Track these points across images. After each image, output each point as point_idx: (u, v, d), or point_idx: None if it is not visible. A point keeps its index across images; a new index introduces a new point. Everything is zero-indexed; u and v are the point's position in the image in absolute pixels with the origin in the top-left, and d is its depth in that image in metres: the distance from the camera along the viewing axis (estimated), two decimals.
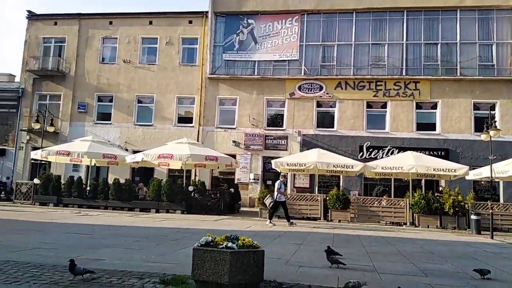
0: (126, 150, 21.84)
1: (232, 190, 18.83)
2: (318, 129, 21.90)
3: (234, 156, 20.76)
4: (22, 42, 25.36)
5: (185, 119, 23.56)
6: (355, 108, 21.75)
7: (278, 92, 22.49)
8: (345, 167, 16.10)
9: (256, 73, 22.86)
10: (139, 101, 24.01)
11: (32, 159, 21.18)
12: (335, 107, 22.08)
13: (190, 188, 16.87)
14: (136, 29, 24.18)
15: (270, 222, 12.78)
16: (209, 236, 4.08)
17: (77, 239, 7.81)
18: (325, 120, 22.31)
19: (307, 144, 21.22)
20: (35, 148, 21.83)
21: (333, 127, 21.91)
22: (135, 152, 20.11)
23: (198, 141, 21.24)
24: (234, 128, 22.71)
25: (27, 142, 24.17)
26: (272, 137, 22.31)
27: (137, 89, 23.81)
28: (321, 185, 19.94)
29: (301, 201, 15.74)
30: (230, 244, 3.89)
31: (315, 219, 15.36)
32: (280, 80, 22.51)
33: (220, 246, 3.90)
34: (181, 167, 18.88)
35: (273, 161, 17.05)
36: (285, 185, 13.98)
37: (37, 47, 24.99)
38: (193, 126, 23.12)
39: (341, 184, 20.83)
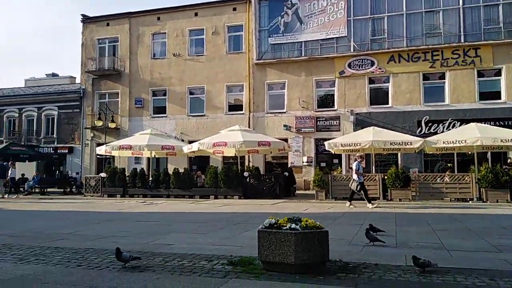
0: (182, 140, 22.66)
1: (286, 174, 18.90)
2: (372, 107, 21.24)
3: (286, 140, 20.80)
4: (79, 45, 26.88)
5: (235, 107, 23.89)
6: (410, 82, 20.78)
7: (327, 71, 22.03)
8: (403, 144, 15.48)
9: (303, 54, 22.53)
10: (191, 93, 24.67)
11: (98, 154, 22.63)
12: (388, 82, 21.24)
13: (245, 174, 17.18)
14: (183, 22, 24.70)
15: (371, 203, 12.21)
16: (272, 218, 4.16)
17: (146, 227, 8.29)
18: (378, 96, 21.56)
19: (360, 123, 20.67)
20: (99, 144, 23.26)
21: (387, 103, 21.13)
22: (190, 142, 20.78)
23: (249, 127, 21.49)
24: (284, 112, 22.66)
25: (91, 139, 25.84)
26: (324, 119, 21.99)
27: (188, 81, 24.45)
28: (378, 164, 19.38)
29: None
30: (293, 226, 3.94)
31: (373, 199, 14.99)
32: (328, 59, 22.01)
33: (284, 228, 3.96)
34: (235, 154, 19.26)
35: (326, 143, 16.83)
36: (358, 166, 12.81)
37: (93, 48, 26.43)
38: (243, 113, 23.39)
39: (399, 162, 20.14)
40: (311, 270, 3.94)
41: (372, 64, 21.35)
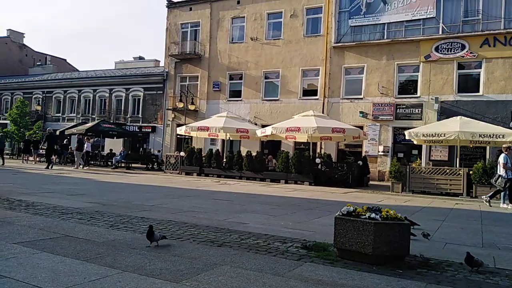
0: (255, 124, 23.01)
1: (360, 162, 18.34)
2: (460, 95, 19.62)
3: (361, 128, 20.14)
4: (164, 30, 28.30)
5: (309, 92, 23.59)
6: (506, 68, 18.77)
7: (411, 55, 20.72)
8: (494, 136, 14.11)
9: (385, 37, 21.41)
10: (266, 77, 24.83)
11: (178, 134, 23.91)
12: (480, 68, 19.41)
13: (317, 161, 16.99)
14: (262, 6, 24.76)
15: (506, 203, 11.01)
16: (350, 206, 4.07)
17: (221, 204, 8.64)
18: (468, 83, 19.84)
19: (446, 112, 19.24)
20: (179, 125, 24.54)
21: (478, 91, 19.36)
22: (263, 126, 21.03)
23: (323, 113, 21.11)
24: (361, 98, 21.87)
25: (172, 120, 27.35)
26: (404, 106, 20.83)
27: (263, 65, 24.61)
28: (462, 157, 17.95)
29: (439, 175, 14.46)
30: (373, 215, 3.82)
31: (455, 194, 14.00)
32: (413, 42, 20.66)
33: (363, 217, 3.85)
34: (307, 139, 19.11)
35: (406, 132, 15.95)
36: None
37: (176, 33, 27.68)
38: (318, 99, 23.02)
39: (487, 156, 18.44)
40: (390, 263, 3.80)
41: (463, 47, 19.61)
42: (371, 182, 18.74)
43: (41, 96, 34.71)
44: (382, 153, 21.13)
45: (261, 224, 6.10)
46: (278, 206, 8.70)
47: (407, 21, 20.94)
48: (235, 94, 25.72)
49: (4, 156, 20.82)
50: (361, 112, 21.53)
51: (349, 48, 22.25)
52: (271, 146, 23.27)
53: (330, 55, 22.66)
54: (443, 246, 5.15)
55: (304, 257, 4.03)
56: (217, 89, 26.01)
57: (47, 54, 48.59)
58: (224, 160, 19.31)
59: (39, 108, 33.22)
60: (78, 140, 21.24)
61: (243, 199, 9.98)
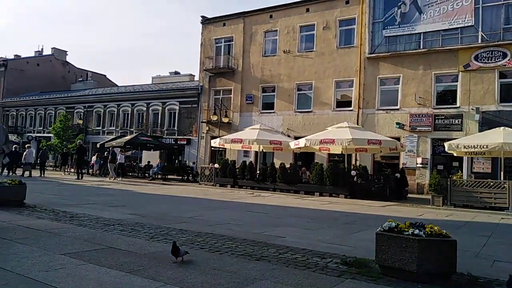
0: (288, 136, 22.97)
1: (398, 175, 17.84)
2: (502, 104, 18.78)
3: (398, 139, 19.62)
4: (199, 45, 29.00)
5: (343, 103, 23.33)
6: None
7: (449, 64, 20.10)
8: None
9: (421, 47, 20.92)
10: (299, 89, 24.83)
11: (212, 146, 24.25)
12: None
13: (353, 173, 16.68)
14: (294, 19, 24.92)
15: None
16: (391, 221, 3.96)
17: (257, 217, 8.65)
18: (510, 93, 18.96)
19: (487, 122, 18.43)
20: (213, 137, 24.89)
21: None
22: (296, 138, 20.95)
23: (358, 124, 20.77)
24: (398, 109, 21.37)
25: (206, 132, 27.80)
26: (443, 117, 20.16)
27: (296, 77, 24.65)
28: (507, 170, 17.05)
29: (483, 188, 13.81)
30: (417, 231, 3.70)
31: (501, 209, 13.29)
32: (451, 51, 20.06)
33: (406, 233, 3.74)
34: (342, 151, 18.82)
35: (446, 144, 15.40)
36: None
37: (211, 48, 28.29)
38: (352, 110, 22.71)
39: None
40: (436, 281, 3.65)
41: (504, 56, 18.81)
42: (409, 195, 18.15)
43: (83, 111, 36.32)
44: (420, 165, 20.46)
45: (298, 238, 6.05)
46: (314, 220, 8.60)
47: (444, 30, 20.39)
48: (268, 106, 25.84)
49: (47, 168, 21.84)
50: (397, 123, 21.02)
51: (384, 59, 21.90)
52: (304, 158, 23.10)
53: (364, 66, 22.39)
54: (491, 263, 4.91)
55: (344, 274, 3.95)
56: (250, 101, 26.25)
57: (88, 70, 50.98)
58: (258, 172, 19.35)
59: (80, 122, 34.74)
60: (112, 152, 22.05)
61: (278, 212, 9.94)
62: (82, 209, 8.20)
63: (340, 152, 19.40)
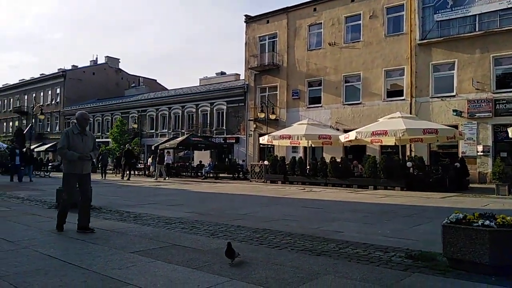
0: (337, 129, 22.58)
1: (457, 164, 16.94)
2: None
3: (456, 127, 18.63)
4: (243, 45, 29.26)
5: (394, 93, 22.51)
6: None
7: (509, 46, 18.73)
8: None
9: (477, 29, 19.68)
10: (346, 81, 24.30)
11: (260, 143, 24.41)
12: None
13: (409, 164, 16.08)
14: (339, 10, 24.39)
15: None
16: (458, 213, 3.79)
17: (311, 212, 8.61)
18: None
19: None
20: (261, 134, 25.06)
21: None
22: (346, 131, 20.55)
23: (411, 114, 19.97)
24: (454, 96, 20.27)
25: (254, 130, 28.03)
26: (504, 101, 18.85)
27: (343, 69, 24.14)
28: None
29: None
30: (487, 222, 3.51)
31: None
32: (510, 32, 18.65)
33: (475, 224, 3.56)
34: (395, 143, 18.18)
35: (509, 129, 14.39)
36: None
37: (255, 46, 28.44)
38: (404, 99, 21.86)
39: None
40: (511, 273, 3.45)
41: None
42: (471, 185, 17.17)
43: (137, 115, 38.03)
44: (481, 153, 19.27)
45: (357, 232, 5.96)
46: (371, 214, 8.41)
47: (501, 10, 19.00)
48: (315, 100, 25.54)
49: (107, 171, 23.24)
50: (454, 111, 19.93)
51: (436, 44, 20.82)
52: (355, 151, 22.57)
53: (416, 53, 21.43)
54: None
55: (410, 267, 3.84)
56: (297, 97, 26.09)
57: (139, 76, 53.25)
58: (308, 167, 19.22)
59: (135, 126, 36.40)
60: (159, 154, 23.12)
61: (332, 207, 9.83)
62: (144, 209, 8.61)
63: (393, 144, 18.76)
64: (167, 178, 22.45)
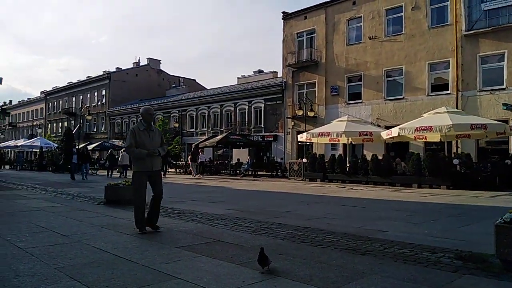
0: (379, 126, 22.02)
1: (508, 161, 16.02)
2: None
3: (506, 122, 17.63)
4: (281, 42, 29.16)
5: (439, 87, 21.61)
6: None
7: None
8: None
9: None
10: (388, 75, 23.61)
11: (299, 141, 24.28)
12: None
13: (455, 161, 15.42)
14: (379, 3, 23.71)
15: None
16: None
17: (353, 211, 8.47)
18: None
19: None
20: (299, 132, 24.93)
21: None
22: (387, 127, 19.99)
23: (457, 108, 19.09)
24: (504, 89, 19.18)
25: (292, 127, 27.91)
26: None
27: (384, 63, 23.47)
28: None
29: None
30: None
31: None
32: None
33: None
34: (440, 139, 17.48)
35: None
36: None
37: (293, 42, 28.28)
38: (449, 93, 20.93)
39: None
40: None
41: None
42: None
43: (178, 114, 38.99)
44: None
45: (402, 232, 5.79)
46: (416, 213, 8.15)
47: None
48: (355, 96, 25.02)
49: None
50: (504, 104, 18.81)
51: (484, 35, 19.73)
52: (398, 148, 21.89)
53: (461, 44, 20.43)
54: None
55: (461, 269, 3.69)
56: (335, 93, 25.68)
57: (179, 77, 54.51)
58: (348, 165, 18.89)
59: (176, 125, 37.35)
60: (192, 152, 23.88)
61: (375, 206, 9.61)
62: (186, 205, 8.83)
63: (438, 140, 18.06)
64: (196, 175, 23.22)
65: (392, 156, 20.23)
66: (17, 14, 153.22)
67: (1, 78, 29.26)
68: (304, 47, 27.58)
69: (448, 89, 21.03)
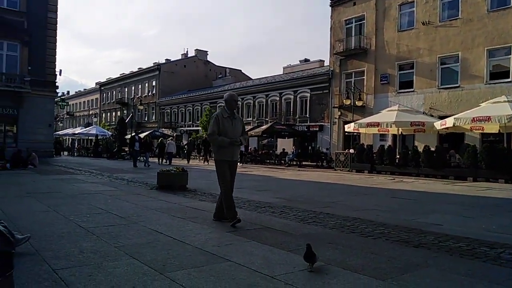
0: (431, 116, 21.04)
1: None
2: None
3: None
4: (328, 30, 28.55)
5: (498, 75, 20.20)
6: None
7: None
8: None
9: None
10: (442, 63, 22.41)
11: (346, 131, 23.80)
12: None
13: None
14: None
15: None
16: None
17: (404, 203, 8.21)
18: None
19: None
20: (346, 122, 24.40)
21: None
22: (441, 117, 19.07)
23: None
24: None
25: (339, 117, 27.38)
26: None
27: (438, 50, 22.28)
28: None
29: None
30: None
31: None
32: None
33: None
34: (499, 130, 16.41)
35: None
36: None
37: (341, 30, 27.58)
38: (510, 81, 19.51)
39: None
40: None
41: None
42: None
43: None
44: None
45: (457, 226, 5.55)
46: (471, 207, 7.77)
47: None
48: (406, 85, 24.02)
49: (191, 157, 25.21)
50: None
51: None
52: (452, 139, 20.81)
53: None
54: None
55: None
56: (385, 81, 24.80)
57: (226, 67, 55.14)
58: (397, 156, 18.27)
59: None
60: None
61: (427, 198, 9.26)
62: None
63: (496, 131, 16.97)
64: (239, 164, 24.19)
65: (445, 147, 19.31)
66: (74, 11, 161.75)
67: (60, 70, 31.26)
68: (353, 34, 26.81)
69: (508, 77, 19.61)
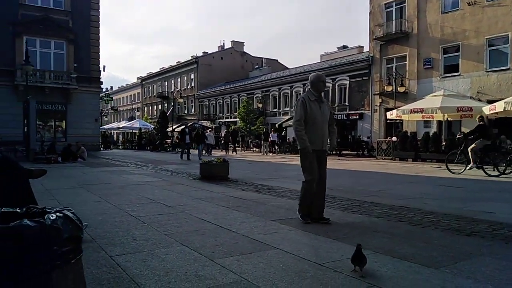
0: (479, 100, 19.99)
1: None
2: None
3: None
4: (367, 15, 27.71)
5: None
6: None
7: None
8: None
9: None
10: (490, 44, 21.17)
11: (388, 119, 23.13)
12: None
13: None
14: None
15: None
16: None
17: (452, 191, 7.91)
18: None
19: None
20: (387, 109, 23.70)
21: None
22: (489, 102, 18.06)
23: None
24: None
25: (380, 105, 26.65)
26: None
27: (486, 31, 21.04)
28: None
29: None
30: None
31: None
32: None
33: None
34: None
35: None
36: None
37: (380, 14, 26.68)
38: None
39: None
40: None
41: None
42: None
43: (261, 95, 39.61)
44: None
45: (511, 214, 5.29)
46: None
47: None
48: (451, 69, 22.92)
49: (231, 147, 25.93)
50: None
51: None
52: (502, 124, 19.66)
53: None
54: None
55: None
56: (429, 66, 23.79)
57: (262, 58, 55.04)
58: (443, 143, 17.56)
59: (260, 105, 38.03)
60: (264, 132, 25.07)
61: (477, 186, 8.87)
62: (275, 182, 9.05)
63: None
64: (271, 154, 25.50)
65: (495, 133, 18.29)
66: (114, 9, 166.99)
67: (104, 66, 32.55)
68: (393, 18, 25.86)
69: None
